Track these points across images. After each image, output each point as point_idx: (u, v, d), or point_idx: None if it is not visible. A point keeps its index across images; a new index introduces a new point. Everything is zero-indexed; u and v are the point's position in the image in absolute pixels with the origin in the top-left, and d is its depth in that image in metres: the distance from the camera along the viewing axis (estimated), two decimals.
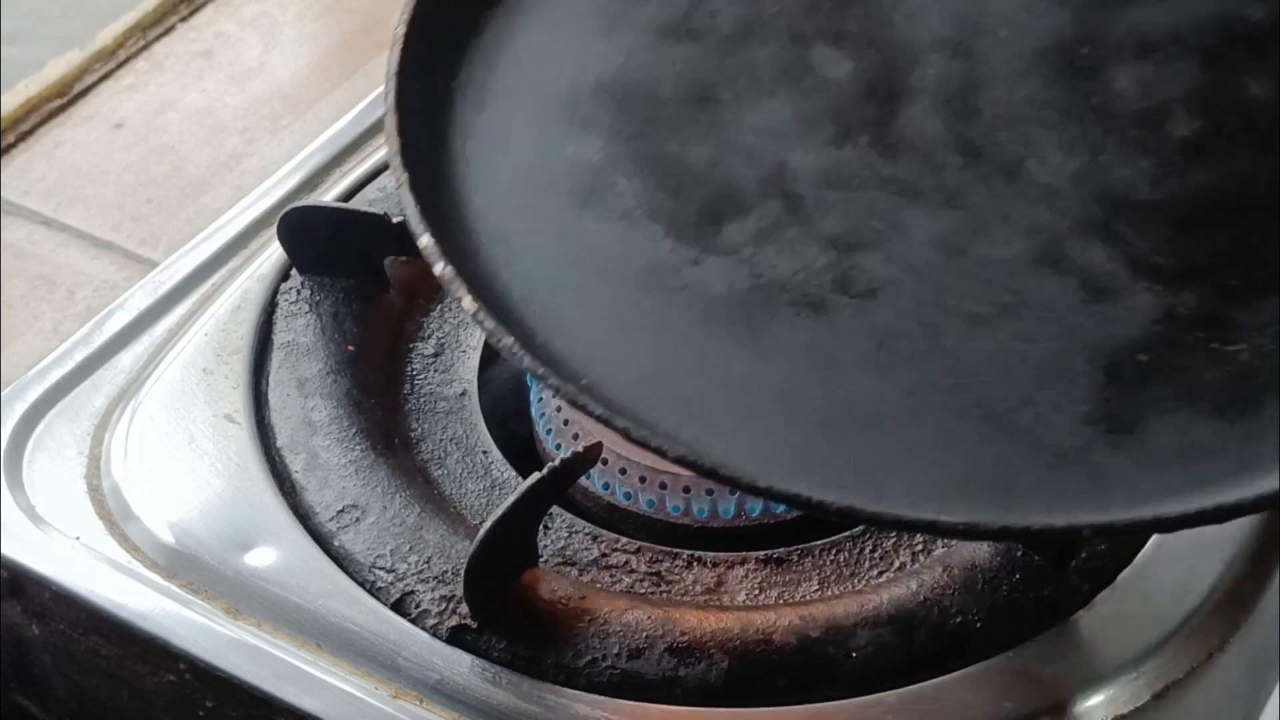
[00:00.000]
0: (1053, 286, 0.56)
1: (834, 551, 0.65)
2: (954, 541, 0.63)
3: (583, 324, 0.56)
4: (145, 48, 1.22)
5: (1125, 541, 0.65)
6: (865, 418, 0.53)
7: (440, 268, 0.53)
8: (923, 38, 0.64)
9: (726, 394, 0.54)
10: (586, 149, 0.61)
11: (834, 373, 0.54)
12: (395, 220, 0.74)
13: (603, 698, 0.61)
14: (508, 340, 0.52)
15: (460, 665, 0.62)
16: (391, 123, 0.58)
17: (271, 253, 0.78)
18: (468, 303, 0.52)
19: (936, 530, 0.51)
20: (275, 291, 0.76)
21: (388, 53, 0.60)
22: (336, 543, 0.66)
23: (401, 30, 0.61)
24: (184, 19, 1.25)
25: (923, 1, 0.65)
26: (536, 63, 0.64)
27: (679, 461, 0.50)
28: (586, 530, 0.68)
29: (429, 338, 0.77)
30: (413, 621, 0.64)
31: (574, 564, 0.66)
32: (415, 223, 0.54)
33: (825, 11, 0.65)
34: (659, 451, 0.50)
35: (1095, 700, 0.61)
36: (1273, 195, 0.58)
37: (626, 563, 0.66)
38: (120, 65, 1.21)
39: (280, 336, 0.74)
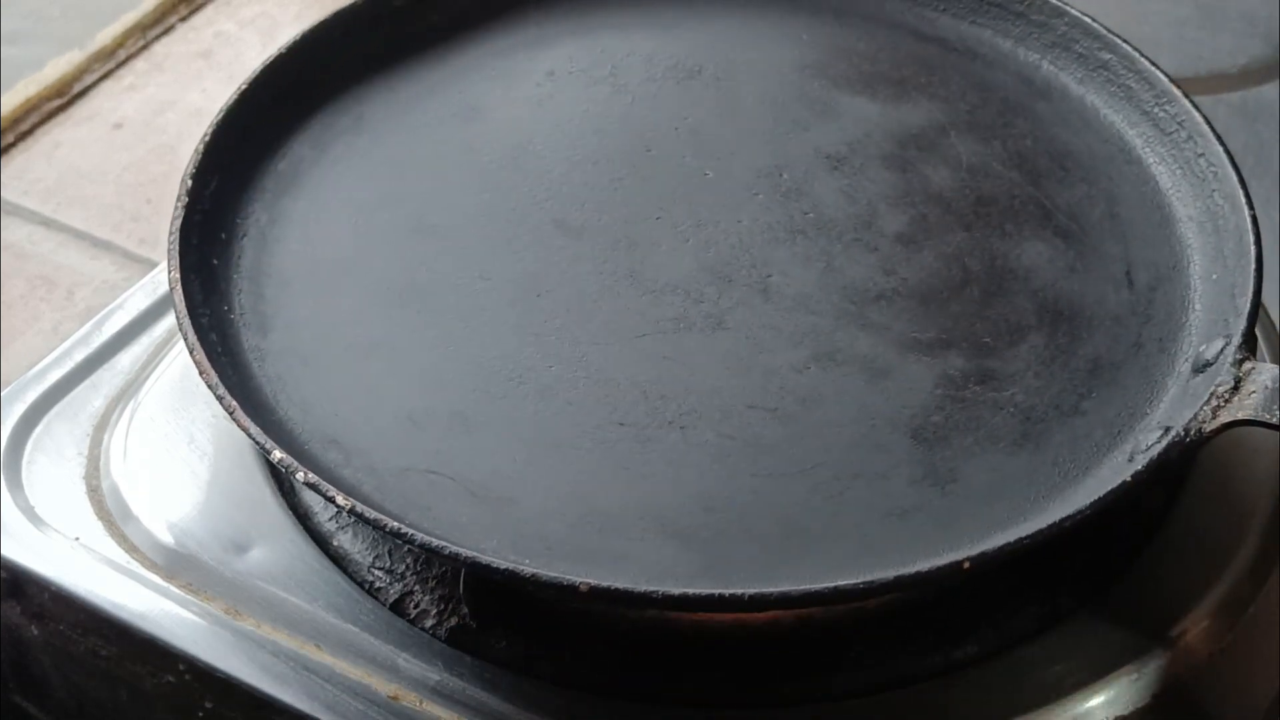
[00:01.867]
0: (838, 377, 0.64)
1: None
2: None
3: (435, 498, 0.60)
4: (145, 48, 1.23)
5: (1123, 544, 0.65)
6: (731, 521, 0.59)
7: (303, 476, 0.58)
8: (638, 192, 0.72)
9: (599, 528, 0.59)
10: (375, 351, 0.66)
11: (686, 489, 0.60)
12: None
13: (603, 699, 0.61)
14: (394, 525, 0.56)
15: (460, 665, 0.62)
16: (201, 359, 0.62)
17: None
18: (341, 499, 0.57)
19: (840, 596, 0.56)
20: None
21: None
22: (335, 542, 0.66)
23: (176, 275, 0.65)
24: (183, 19, 1.25)
25: (627, 157, 0.74)
26: (299, 282, 0.69)
27: (591, 593, 0.54)
28: None
29: None
30: (412, 622, 0.64)
31: None
32: (263, 441, 0.59)
33: (546, 185, 0.72)
34: (571, 590, 0.54)
35: (1096, 701, 0.61)
36: (987, 262, 0.68)
37: None
38: (120, 65, 1.21)
39: None
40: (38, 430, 0.72)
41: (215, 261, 0.68)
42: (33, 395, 0.73)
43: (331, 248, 0.70)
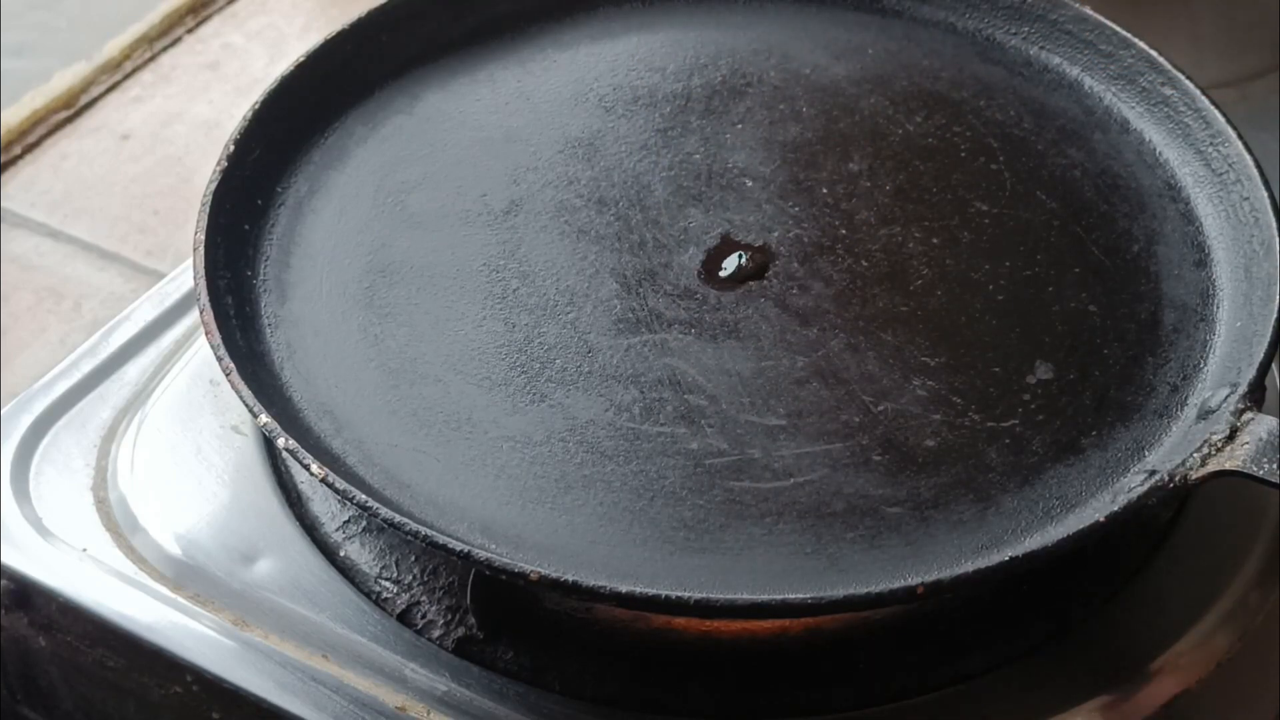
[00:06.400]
0: (837, 394, 0.64)
1: None
2: None
3: (418, 476, 0.61)
4: (152, 59, 1.23)
5: (1132, 553, 0.65)
6: (699, 531, 0.59)
7: (283, 441, 0.59)
8: (678, 194, 0.72)
9: (569, 529, 0.60)
10: (389, 328, 0.67)
11: (661, 496, 0.61)
12: None
13: (610, 709, 0.61)
14: (360, 498, 0.58)
15: (467, 676, 0.62)
16: (209, 319, 0.63)
17: None
18: (316, 469, 0.58)
19: (787, 610, 0.57)
20: None
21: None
22: (342, 553, 0.67)
23: (201, 237, 0.67)
24: (190, 31, 1.25)
25: (671, 159, 0.74)
26: (327, 254, 0.70)
27: (541, 581, 0.55)
28: None
29: None
30: (419, 632, 0.64)
31: None
32: (251, 404, 0.60)
33: (585, 181, 0.73)
34: (520, 577, 0.56)
35: (1103, 711, 0.61)
36: (1011, 291, 0.68)
37: None
38: (127, 77, 1.21)
39: None
40: (45, 442, 0.72)
41: (247, 227, 0.70)
42: (40, 407, 0.73)
43: (364, 223, 0.71)
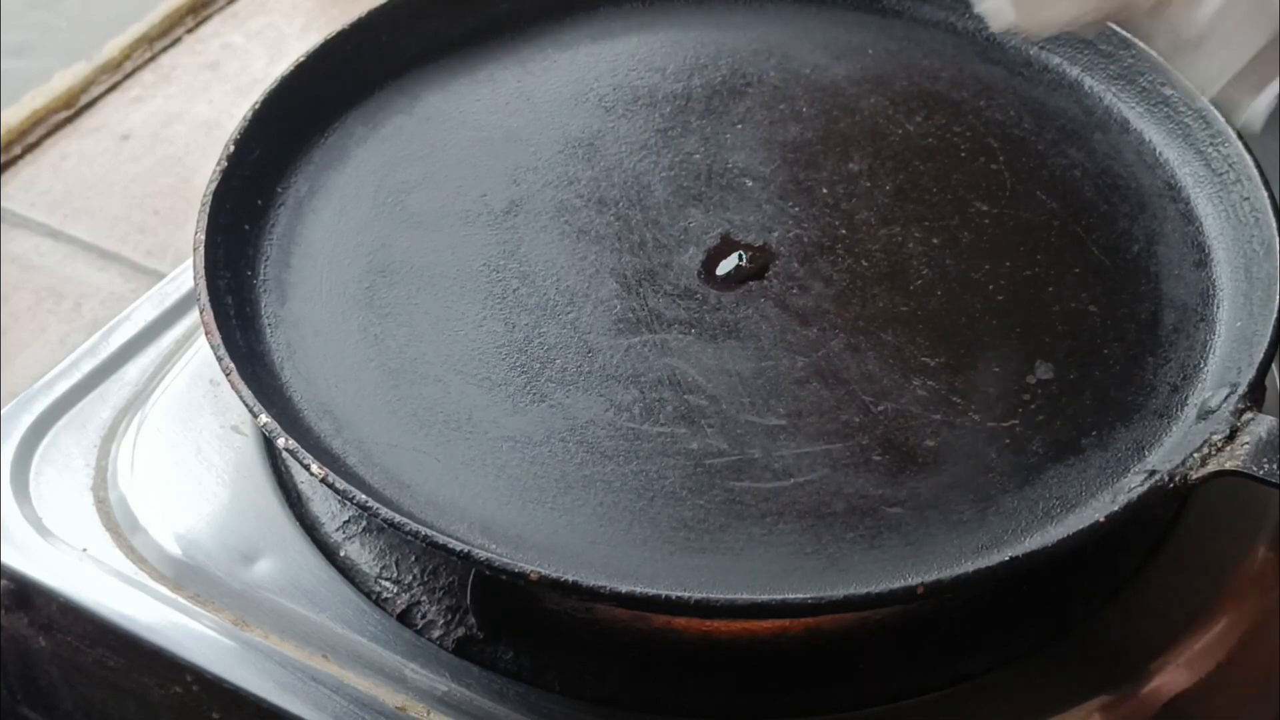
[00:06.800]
0: (838, 394, 0.64)
1: None
2: None
3: (418, 476, 0.61)
4: (152, 59, 1.23)
5: (1132, 553, 0.65)
6: (699, 531, 0.59)
7: (283, 441, 0.59)
8: (678, 194, 0.72)
9: (569, 529, 0.60)
10: (389, 328, 0.67)
11: (661, 497, 0.61)
12: None
13: (611, 709, 0.61)
14: (360, 498, 0.58)
15: (467, 676, 0.62)
16: (209, 319, 0.64)
17: None
18: (316, 469, 0.58)
19: (787, 610, 0.57)
20: None
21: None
22: (342, 553, 0.67)
23: (201, 237, 0.67)
24: (190, 31, 1.25)
25: (671, 159, 0.74)
26: (327, 254, 0.70)
27: (541, 581, 0.55)
28: None
29: None
30: (419, 632, 0.64)
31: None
32: (251, 404, 0.60)
33: (585, 181, 0.73)
34: (520, 577, 0.56)
35: (1103, 711, 0.60)
36: (1011, 292, 0.68)
37: None
38: (127, 77, 1.21)
39: None
40: (45, 442, 0.72)
41: (247, 226, 0.70)
42: (40, 407, 0.73)
43: (363, 224, 0.72)
